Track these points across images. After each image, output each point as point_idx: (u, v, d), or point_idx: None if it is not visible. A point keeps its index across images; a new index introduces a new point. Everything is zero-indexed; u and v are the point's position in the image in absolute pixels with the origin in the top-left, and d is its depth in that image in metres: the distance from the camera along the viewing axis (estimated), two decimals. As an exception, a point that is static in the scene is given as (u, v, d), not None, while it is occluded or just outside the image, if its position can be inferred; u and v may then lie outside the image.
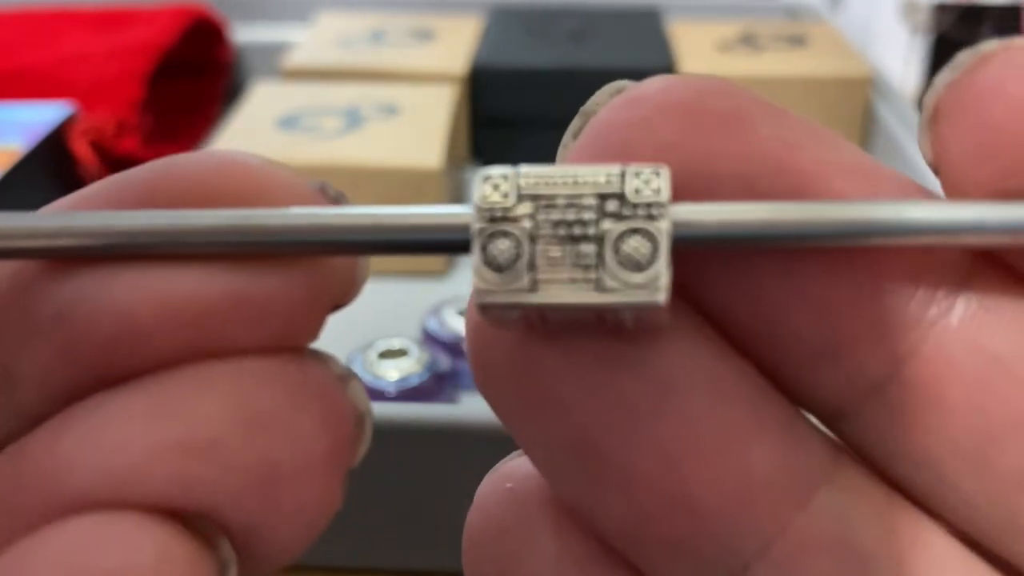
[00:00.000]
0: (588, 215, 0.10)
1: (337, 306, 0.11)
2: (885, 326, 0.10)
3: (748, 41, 0.56)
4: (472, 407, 0.29)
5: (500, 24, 0.59)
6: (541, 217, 0.10)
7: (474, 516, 0.12)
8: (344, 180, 0.43)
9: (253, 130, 0.46)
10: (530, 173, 0.10)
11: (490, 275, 0.10)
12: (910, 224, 0.09)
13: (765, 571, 0.10)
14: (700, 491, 0.10)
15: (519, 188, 0.10)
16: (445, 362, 0.36)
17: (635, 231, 0.10)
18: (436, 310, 0.39)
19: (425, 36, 0.57)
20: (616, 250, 0.10)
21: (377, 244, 0.10)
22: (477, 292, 0.10)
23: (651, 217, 0.10)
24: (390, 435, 0.28)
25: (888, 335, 0.10)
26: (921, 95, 0.54)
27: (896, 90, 0.52)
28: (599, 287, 0.09)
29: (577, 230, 0.10)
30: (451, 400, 0.36)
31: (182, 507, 0.09)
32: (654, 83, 0.10)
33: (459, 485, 0.29)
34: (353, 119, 0.47)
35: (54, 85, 0.51)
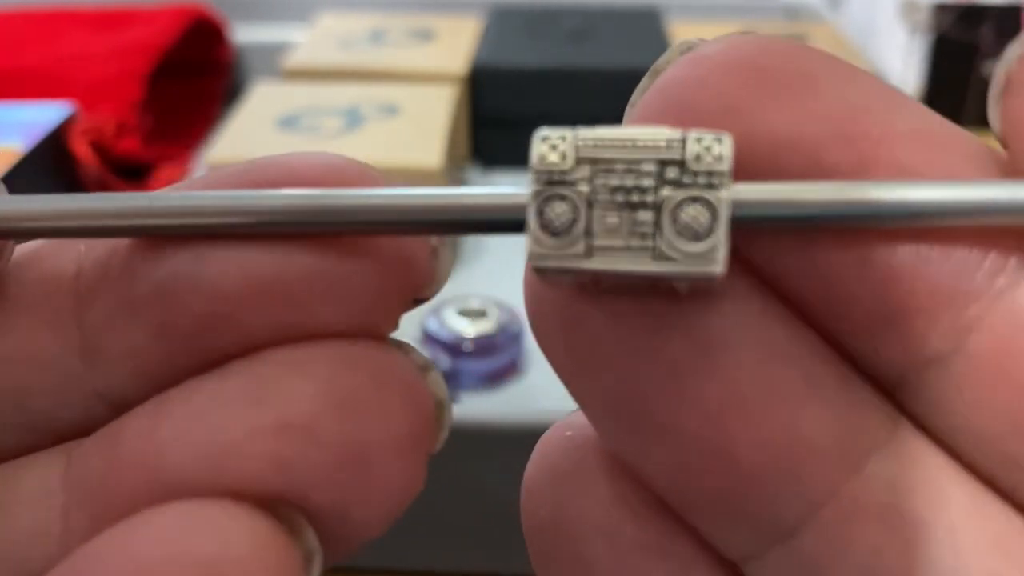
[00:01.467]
0: (647, 182, 0.09)
1: (418, 300, 0.11)
2: (950, 296, 0.10)
3: (748, 41, 0.56)
4: (472, 407, 0.29)
5: (500, 24, 0.59)
6: (599, 182, 0.09)
7: (534, 461, 0.12)
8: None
9: (253, 130, 0.46)
10: (588, 136, 0.10)
11: (546, 239, 0.09)
12: (972, 205, 0.09)
13: (814, 535, 0.10)
14: (743, 448, 0.10)
15: (577, 150, 0.10)
16: (445, 362, 0.36)
17: (694, 199, 0.09)
18: (436, 310, 0.39)
19: (425, 36, 0.57)
20: (674, 219, 0.09)
21: (441, 224, 0.10)
22: (532, 256, 0.10)
23: (711, 186, 0.09)
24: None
25: (952, 306, 0.10)
26: (924, 96, 0.54)
27: (896, 90, 0.52)
28: (656, 255, 0.09)
29: (635, 197, 0.09)
30: (451, 400, 0.36)
31: (277, 489, 0.09)
32: (721, 41, 0.10)
33: (459, 485, 0.29)
34: (353, 119, 0.47)
35: (54, 85, 0.51)
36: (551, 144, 0.10)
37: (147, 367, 0.10)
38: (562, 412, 0.33)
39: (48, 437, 0.11)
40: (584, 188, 0.09)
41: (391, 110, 0.48)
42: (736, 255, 0.10)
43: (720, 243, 0.09)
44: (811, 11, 0.64)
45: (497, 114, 0.54)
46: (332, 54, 0.55)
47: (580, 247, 0.09)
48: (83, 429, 0.11)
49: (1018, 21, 0.52)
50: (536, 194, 0.10)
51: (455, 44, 0.56)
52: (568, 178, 0.09)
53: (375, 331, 0.10)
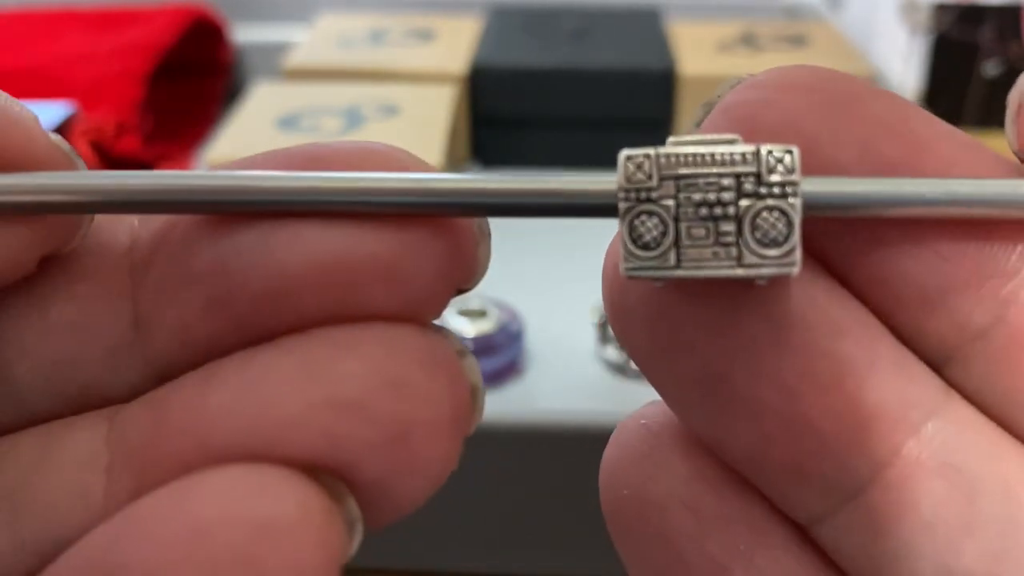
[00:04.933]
0: (727, 196, 0.10)
1: (461, 289, 0.12)
2: (990, 274, 0.11)
3: (748, 41, 0.56)
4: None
5: (500, 24, 0.59)
6: (683, 196, 0.10)
7: (612, 446, 0.13)
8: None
9: (253, 130, 0.46)
10: (670, 154, 0.10)
11: (637, 251, 0.11)
12: (1006, 198, 0.10)
13: (880, 492, 0.11)
14: (818, 418, 0.11)
15: (660, 168, 0.10)
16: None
17: (771, 208, 0.10)
18: (436, 310, 0.39)
19: (425, 36, 0.57)
20: (753, 227, 0.10)
21: (532, 206, 0.11)
22: (626, 267, 0.11)
23: (784, 195, 0.10)
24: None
25: (992, 282, 0.11)
26: (924, 96, 0.54)
27: (896, 90, 0.52)
28: (740, 262, 0.10)
29: (718, 210, 0.10)
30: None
31: (327, 463, 0.10)
32: (772, 71, 0.12)
33: (459, 484, 0.29)
34: (353, 119, 0.47)
35: (54, 85, 0.51)
36: (636, 163, 0.11)
37: (197, 339, 0.11)
38: (562, 412, 0.34)
39: (95, 405, 0.11)
40: (670, 203, 0.10)
41: (391, 110, 0.48)
42: (805, 246, 0.11)
43: (796, 246, 0.10)
44: (811, 11, 0.64)
45: (497, 114, 0.54)
46: (332, 54, 0.55)
47: (671, 258, 0.10)
48: (130, 399, 0.11)
49: (1018, 21, 0.52)
50: (626, 211, 0.10)
51: (455, 44, 0.56)
52: (654, 195, 0.10)
53: (422, 317, 0.11)
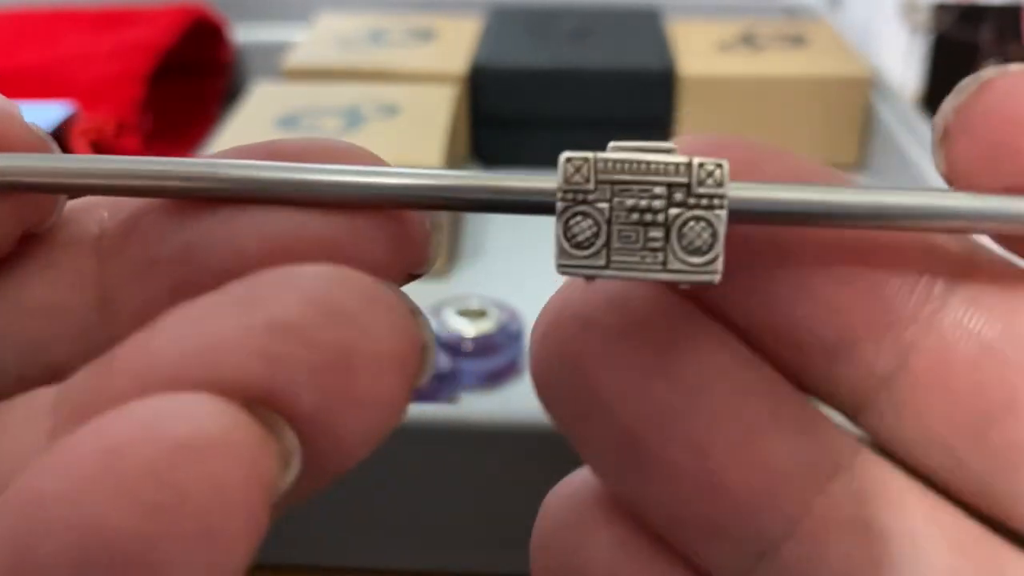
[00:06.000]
0: (658, 203, 0.11)
1: (412, 275, 0.12)
2: (889, 322, 0.11)
3: (748, 41, 0.56)
4: (472, 407, 0.29)
5: (500, 24, 0.59)
6: (617, 201, 0.11)
7: (541, 517, 0.13)
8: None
9: (253, 130, 0.46)
10: (608, 159, 0.11)
11: (571, 250, 0.11)
12: (929, 209, 0.11)
13: (793, 549, 0.11)
14: (729, 479, 0.11)
15: (597, 172, 0.11)
16: (445, 362, 0.36)
17: (697, 219, 0.11)
18: (436, 310, 0.39)
19: (425, 36, 0.57)
20: (680, 235, 0.11)
21: (469, 201, 0.11)
22: (559, 263, 0.11)
23: (711, 207, 0.11)
24: (390, 435, 0.28)
25: (892, 330, 0.11)
26: (924, 96, 0.54)
27: (896, 90, 0.52)
28: (665, 267, 0.11)
29: (648, 217, 0.11)
30: (451, 400, 0.36)
31: (265, 385, 0.10)
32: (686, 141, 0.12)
33: (459, 485, 0.29)
34: (353, 119, 0.47)
35: (54, 85, 0.51)
36: (575, 166, 0.11)
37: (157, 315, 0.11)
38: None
39: None
40: (604, 206, 0.11)
41: (391, 110, 0.48)
42: (705, 304, 0.12)
43: (719, 255, 0.11)
44: (811, 11, 0.64)
45: (497, 114, 0.54)
46: (332, 54, 0.55)
47: (602, 259, 0.11)
48: None
49: (1018, 21, 0.52)
50: (563, 211, 0.11)
51: (455, 44, 0.56)
52: (590, 198, 0.11)
53: None
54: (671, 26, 0.59)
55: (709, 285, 0.11)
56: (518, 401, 0.37)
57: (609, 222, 0.11)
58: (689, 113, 0.53)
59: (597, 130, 0.53)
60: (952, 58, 0.54)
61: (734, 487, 0.11)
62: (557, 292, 0.12)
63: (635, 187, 0.11)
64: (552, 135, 0.54)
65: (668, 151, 0.11)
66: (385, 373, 0.10)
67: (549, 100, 0.53)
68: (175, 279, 0.11)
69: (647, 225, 0.11)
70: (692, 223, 0.11)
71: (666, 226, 0.11)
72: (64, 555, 0.08)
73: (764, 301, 0.11)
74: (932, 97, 0.54)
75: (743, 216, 0.11)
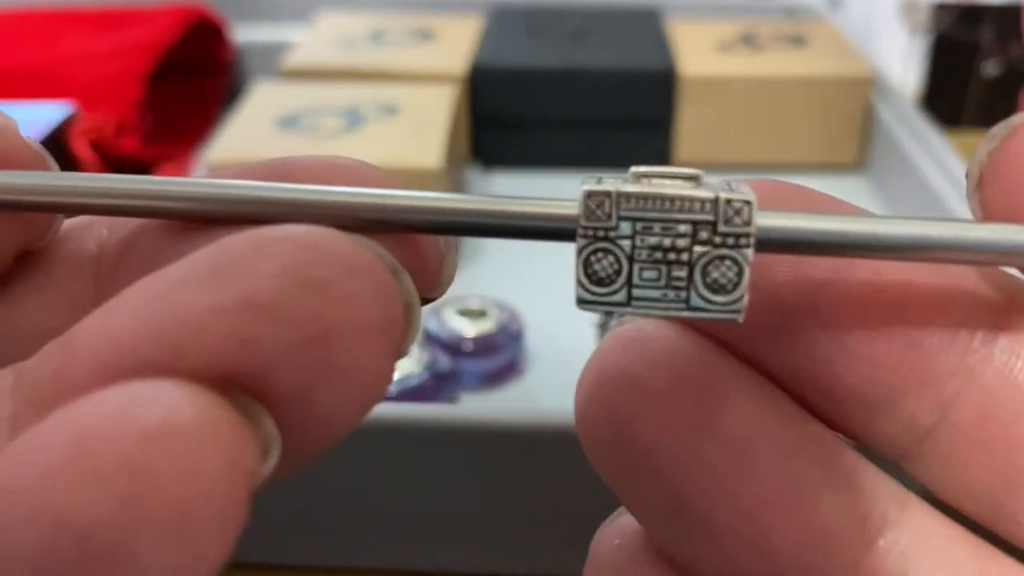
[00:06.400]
0: (682, 242, 0.11)
1: (426, 299, 0.12)
2: (929, 377, 0.11)
3: (748, 41, 0.56)
4: (472, 407, 0.29)
5: (500, 24, 0.59)
6: (640, 238, 0.11)
7: (590, 557, 0.13)
8: (344, 180, 0.43)
9: (253, 130, 0.46)
10: (631, 194, 0.11)
11: (591, 286, 0.11)
12: (956, 240, 0.11)
13: None
14: (777, 540, 0.11)
15: (619, 207, 0.11)
16: (445, 362, 0.36)
17: (723, 257, 0.11)
18: (436, 310, 0.39)
19: (425, 36, 0.57)
20: (704, 273, 0.11)
21: (487, 227, 0.11)
22: (579, 299, 0.11)
23: (738, 246, 0.10)
24: (390, 435, 0.28)
25: (933, 384, 0.11)
26: (924, 96, 0.54)
27: (896, 90, 0.52)
28: (688, 305, 0.11)
29: (672, 256, 0.11)
30: (451, 400, 0.36)
31: (240, 368, 0.09)
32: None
33: (459, 485, 0.29)
34: (353, 119, 0.47)
35: (54, 85, 0.51)
36: (597, 201, 0.11)
37: None
38: (561, 412, 0.33)
39: None
40: (627, 243, 0.11)
41: (391, 110, 0.48)
42: (754, 362, 0.12)
43: (744, 294, 0.11)
44: (811, 11, 0.64)
45: (497, 114, 0.54)
46: (332, 54, 0.55)
47: (622, 295, 0.11)
48: None
49: (1018, 21, 0.52)
50: (583, 247, 0.11)
51: (455, 44, 0.56)
52: (612, 234, 0.11)
53: (390, 326, 0.11)
54: (671, 26, 0.59)
55: (733, 323, 0.11)
56: (518, 401, 0.37)
57: (631, 259, 0.11)
58: (689, 113, 0.53)
59: (597, 130, 0.53)
60: (952, 58, 0.54)
61: (783, 548, 0.11)
62: (599, 348, 0.12)
63: (658, 225, 0.11)
64: (552, 135, 0.54)
65: (693, 179, 0.11)
66: (367, 343, 0.10)
67: (549, 100, 0.53)
68: None
69: (671, 264, 0.11)
70: (717, 262, 0.11)
71: (690, 264, 0.11)
72: (33, 546, 0.08)
73: (804, 357, 0.11)
74: (932, 97, 0.54)
75: (769, 245, 0.11)
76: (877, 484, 0.12)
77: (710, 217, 0.10)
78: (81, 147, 0.46)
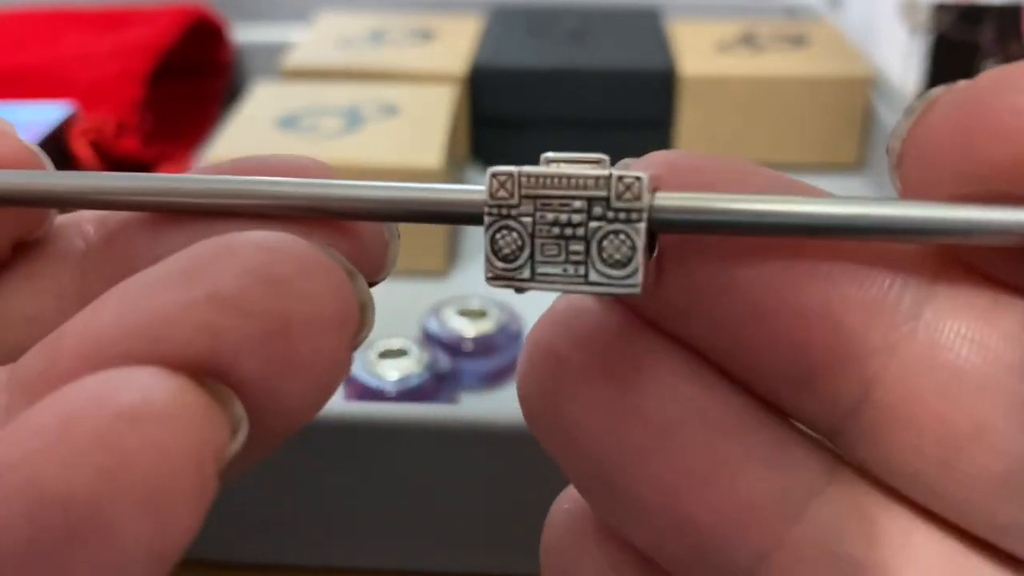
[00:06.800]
0: (578, 217, 0.11)
1: (371, 283, 0.12)
2: (849, 354, 0.11)
3: (748, 41, 0.56)
4: (472, 407, 0.29)
5: (500, 24, 0.59)
6: (539, 215, 0.11)
7: (544, 531, 0.14)
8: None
9: (253, 130, 0.46)
10: (531, 174, 0.11)
11: (498, 262, 0.11)
12: (862, 218, 0.11)
13: None
14: (700, 515, 0.11)
15: (521, 187, 0.11)
16: (445, 362, 0.36)
17: (616, 232, 0.11)
18: (436, 310, 0.39)
19: (425, 36, 0.57)
20: (600, 248, 0.11)
21: (403, 212, 0.12)
22: (487, 275, 0.11)
23: (630, 220, 0.11)
24: (390, 435, 0.28)
25: (853, 362, 0.11)
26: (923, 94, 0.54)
27: (896, 90, 0.52)
28: (586, 280, 0.11)
29: (569, 231, 0.11)
30: (451, 400, 0.36)
31: (208, 356, 0.10)
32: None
33: (459, 485, 0.29)
34: (353, 119, 0.47)
35: (54, 85, 0.51)
36: (500, 181, 0.11)
37: None
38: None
39: None
40: (528, 220, 0.11)
41: (391, 110, 0.48)
42: (681, 339, 0.12)
43: (639, 268, 0.11)
44: (811, 11, 0.64)
45: (497, 114, 0.54)
46: (332, 54, 0.55)
47: (527, 271, 0.11)
48: None
49: (1018, 21, 0.52)
50: (490, 224, 0.11)
51: (455, 44, 0.56)
52: (514, 212, 0.11)
53: (339, 307, 0.12)
54: (671, 26, 0.59)
55: (632, 298, 0.11)
56: (518, 401, 0.37)
57: (533, 236, 0.11)
58: (689, 113, 0.53)
59: (597, 130, 0.53)
60: (952, 58, 0.54)
61: (704, 523, 0.11)
62: (534, 327, 0.13)
63: (556, 202, 0.11)
64: (552, 135, 0.54)
65: (598, 162, 0.11)
66: (324, 336, 0.11)
67: (549, 100, 0.53)
68: None
69: (568, 239, 0.11)
70: (612, 236, 0.11)
71: (586, 239, 0.11)
72: (21, 517, 0.09)
73: (723, 336, 0.11)
74: (932, 97, 0.54)
75: (668, 226, 0.11)
76: (804, 455, 0.12)
77: (603, 193, 0.11)
78: (81, 147, 0.46)
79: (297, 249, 0.11)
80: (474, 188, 0.12)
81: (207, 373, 0.10)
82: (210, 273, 0.10)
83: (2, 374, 0.11)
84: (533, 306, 0.42)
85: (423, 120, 0.47)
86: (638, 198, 0.11)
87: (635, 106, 0.53)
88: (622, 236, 0.11)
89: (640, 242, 0.11)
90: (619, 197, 0.11)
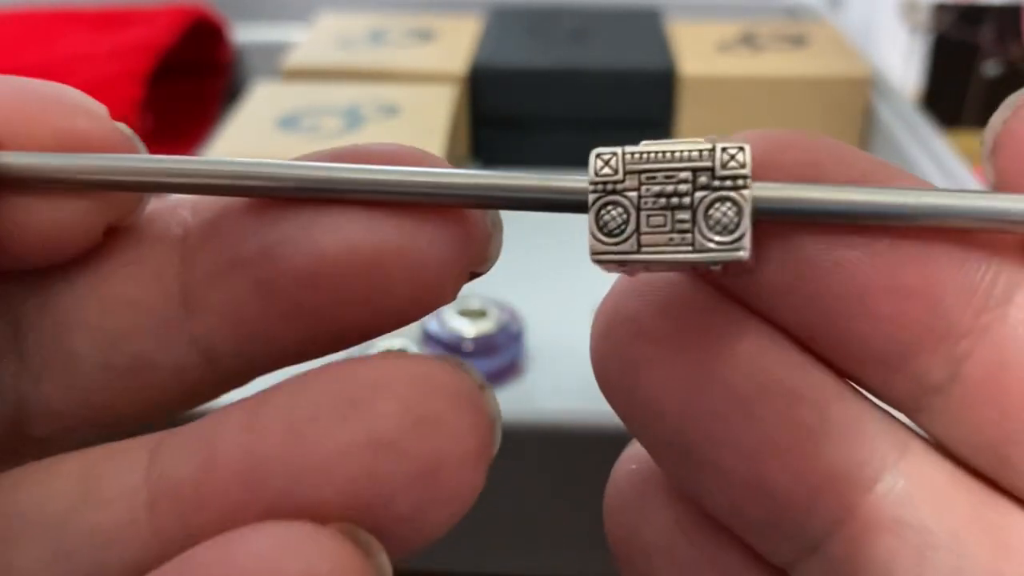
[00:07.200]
0: (684, 187, 0.11)
1: (474, 273, 0.13)
2: (945, 334, 0.11)
3: (748, 41, 0.56)
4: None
5: (500, 24, 0.59)
6: (645, 188, 0.11)
7: (608, 490, 0.14)
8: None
9: (253, 130, 0.46)
10: (635, 151, 0.12)
11: (603, 237, 0.12)
12: (952, 208, 0.11)
13: (839, 547, 0.12)
14: (776, 483, 0.12)
15: (625, 164, 0.12)
16: (445, 362, 0.36)
17: (723, 199, 0.11)
18: (436, 310, 0.39)
19: (425, 36, 0.57)
20: (707, 215, 0.11)
21: (509, 200, 0.12)
22: (593, 254, 0.12)
23: (736, 187, 0.11)
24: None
25: (946, 341, 0.11)
26: (924, 96, 0.54)
27: (896, 90, 0.52)
28: (694, 247, 0.11)
29: (675, 200, 0.11)
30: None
31: (366, 500, 0.11)
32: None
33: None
34: (353, 119, 0.47)
35: (54, 85, 0.51)
36: (604, 159, 0.12)
37: (243, 318, 0.12)
38: (561, 412, 0.33)
39: (144, 382, 0.12)
40: (633, 195, 0.11)
41: (391, 110, 0.48)
42: (764, 313, 0.12)
43: (746, 232, 0.11)
44: (811, 11, 0.64)
45: (497, 114, 0.54)
46: (332, 54, 0.55)
47: (632, 243, 0.11)
48: (176, 379, 0.12)
49: (1018, 21, 0.52)
50: (594, 202, 0.12)
51: (455, 44, 0.56)
52: (619, 187, 0.11)
53: (440, 299, 0.12)
54: (671, 26, 0.59)
55: (740, 264, 0.11)
56: (518, 401, 0.37)
57: (638, 208, 0.11)
58: (689, 113, 0.53)
59: (597, 130, 0.53)
60: (952, 58, 0.54)
61: (781, 490, 0.12)
62: (612, 289, 0.13)
63: (660, 174, 0.11)
64: (552, 135, 0.54)
65: (696, 142, 0.11)
66: (468, 469, 0.11)
67: (549, 100, 0.53)
68: (256, 278, 0.12)
69: (674, 208, 0.11)
70: (718, 204, 0.11)
71: (692, 208, 0.11)
72: None
73: (819, 314, 0.12)
74: (932, 97, 0.54)
75: (770, 214, 0.11)
76: (879, 430, 0.12)
77: (708, 164, 0.11)
78: (81, 147, 0.46)
79: (447, 381, 0.11)
80: (574, 176, 0.12)
81: (361, 514, 0.11)
82: (369, 413, 0.11)
83: (141, 456, 0.11)
84: (533, 306, 0.42)
85: (423, 120, 0.47)
86: (743, 166, 0.11)
87: (635, 106, 0.53)
88: (728, 203, 0.11)
89: (747, 207, 0.11)
90: (724, 166, 0.11)
